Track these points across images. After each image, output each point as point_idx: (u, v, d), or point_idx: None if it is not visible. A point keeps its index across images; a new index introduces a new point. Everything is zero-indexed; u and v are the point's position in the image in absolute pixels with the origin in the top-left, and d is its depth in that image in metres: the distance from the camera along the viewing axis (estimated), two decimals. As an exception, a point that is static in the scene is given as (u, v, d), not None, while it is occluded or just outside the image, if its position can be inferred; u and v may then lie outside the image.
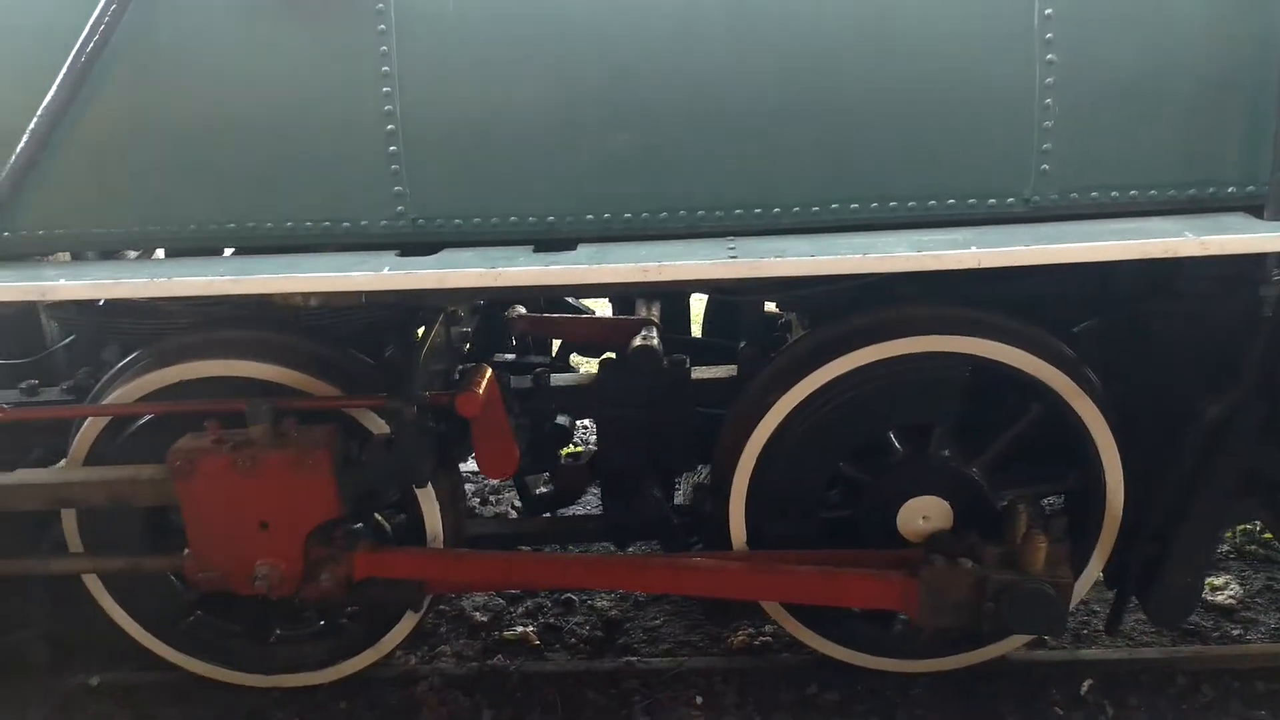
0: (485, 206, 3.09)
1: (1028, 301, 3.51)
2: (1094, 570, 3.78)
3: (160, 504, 3.59)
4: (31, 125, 3.02)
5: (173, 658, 4.05)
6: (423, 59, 3.00)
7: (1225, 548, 5.03)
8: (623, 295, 4.57)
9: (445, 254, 3.05)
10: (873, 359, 3.49)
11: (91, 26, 2.96)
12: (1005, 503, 3.61)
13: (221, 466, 3.38)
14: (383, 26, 2.97)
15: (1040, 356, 3.46)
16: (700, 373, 3.97)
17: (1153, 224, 2.92)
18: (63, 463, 3.74)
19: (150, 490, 3.51)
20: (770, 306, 4.30)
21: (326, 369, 3.60)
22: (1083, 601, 4.40)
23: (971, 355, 3.47)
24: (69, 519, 3.80)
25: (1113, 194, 3.01)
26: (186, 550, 3.57)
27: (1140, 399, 3.58)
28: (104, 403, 3.65)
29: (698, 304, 4.96)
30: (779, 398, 3.56)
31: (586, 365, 5.06)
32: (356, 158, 3.07)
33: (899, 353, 3.48)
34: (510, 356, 4.52)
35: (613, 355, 4.20)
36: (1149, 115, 2.94)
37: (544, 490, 4.70)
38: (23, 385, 3.88)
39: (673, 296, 4.56)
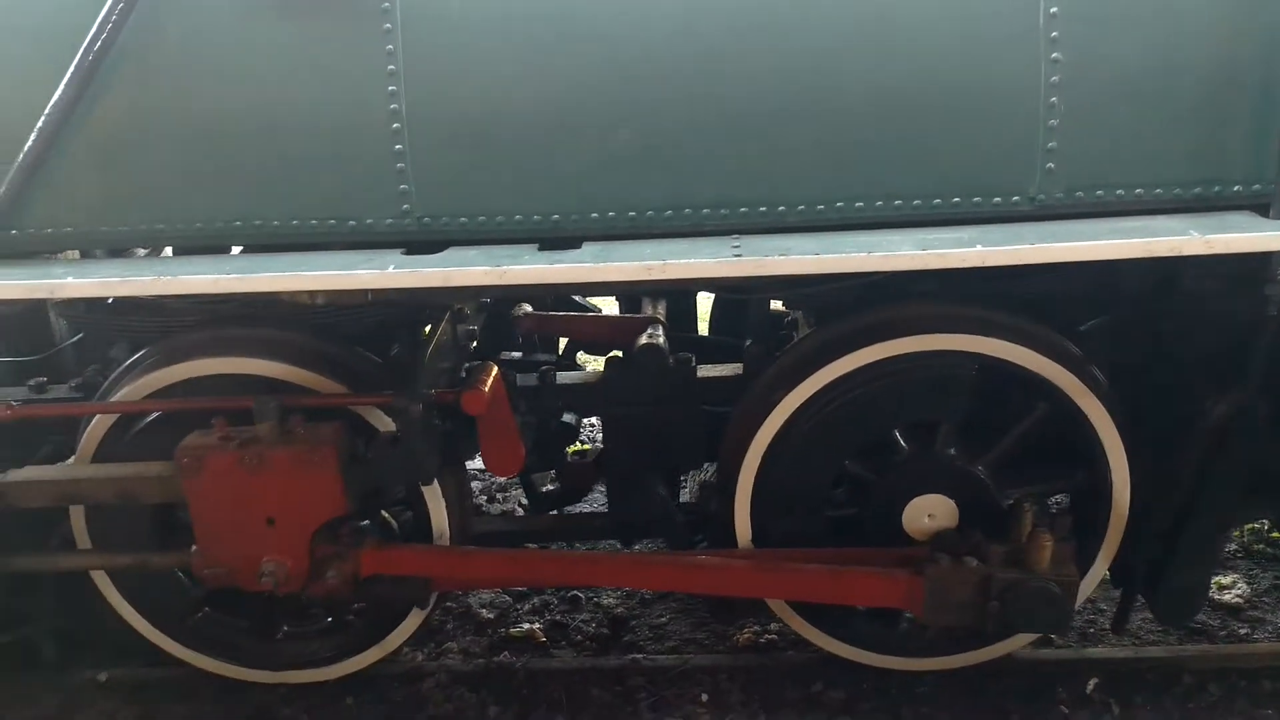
0: (490, 205, 3.10)
1: (1034, 300, 3.50)
2: (1100, 569, 3.78)
3: (168, 501, 3.61)
4: (39, 124, 3.03)
5: (180, 654, 4.06)
6: (428, 58, 3.01)
7: (1233, 546, 5.01)
8: (628, 293, 4.58)
9: (450, 252, 3.06)
10: (878, 357, 3.48)
11: (99, 25, 2.97)
12: (1011, 501, 3.61)
13: (228, 464, 3.40)
14: (388, 25, 2.99)
15: (1046, 355, 3.45)
16: (706, 371, 3.96)
17: (1158, 222, 2.92)
18: (71, 460, 3.76)
19: (158, 487, 3.53)
20: (777, 305, 4.30)
21: (333, 367, 3.60)
22: (1089, 600, 4.40)
23: (977, 354, 3.46)
24: (77, 516, 3.82)
25: (1118, 192, 3.01)
26: (194, 547, 3.58)
27: (1147, 397, 3.57)
28: (112, 400, 3.66)
29: (705, 302, 4.96)
30: (784, 396, 3.56)
31: (593, 363, 5.07)
32: (362, 156, 3.08)
33: (904, 351, 3.47)
34: (517, 354, 4.53)
35: (619, 353, 4.20)
36: (1154, 114, 2.94)
37: (550, 488, 4.70)
38: (31, 382, 3.90)
39: (679, 295, 4.56)
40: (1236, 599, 4.58)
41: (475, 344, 4.27)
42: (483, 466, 3.80)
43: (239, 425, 3.46)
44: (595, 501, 5.28)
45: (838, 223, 3.06)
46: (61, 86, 3.00)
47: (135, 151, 3.14)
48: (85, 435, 3.69)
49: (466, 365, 3.95)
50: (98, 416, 3.68)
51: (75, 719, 4.10)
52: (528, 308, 4.50)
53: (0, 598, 3.99)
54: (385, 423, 3.59)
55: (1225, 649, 4.26)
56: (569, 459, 4.44)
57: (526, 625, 4.60)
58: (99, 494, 3.57)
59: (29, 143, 3.05)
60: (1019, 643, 3.94)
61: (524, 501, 5.51)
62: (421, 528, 3.85)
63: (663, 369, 3.87)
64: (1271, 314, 3.12)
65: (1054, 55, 2.89)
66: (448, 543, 3.82)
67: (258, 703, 4.11)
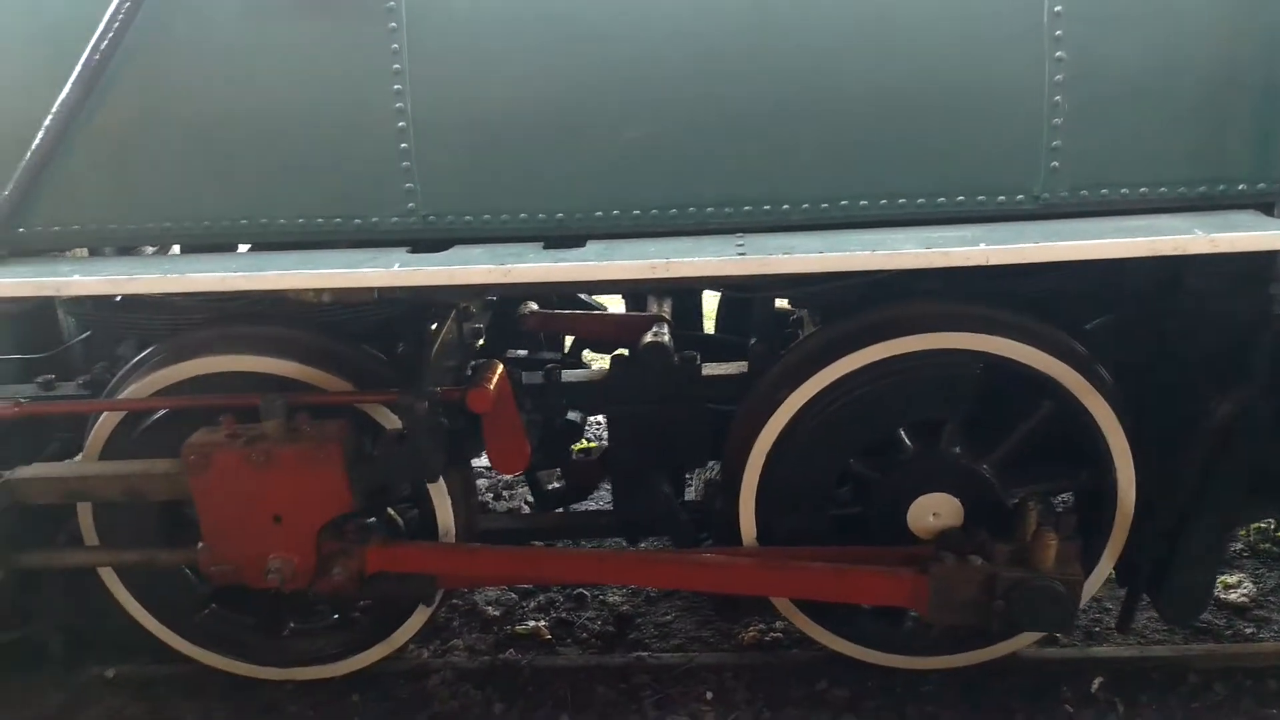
0: (495, 203, 3.11)
1: (1038, 299, 3.50)
2: (1105, 568, 3.78)
3: (175, 498, 3.62)
4: (47, 122, 3.05)
5: (187, 650, 4.08)
6: (433, 56, 3.02)
7: (1239, 546, 5.01)
8: (633, 292, 4.59)
9: (455, 251, 3.07)
10: (883, 355, 3.48)
11: (105, 24, 2.99)
12: (1016, 500, 3.61)
13: (235, 461, 3.41)
14: (394, 24, 3.00)
15: (1052, 353, 3.45)
16: (711, 369, 3.97)
17: (1163, 221, 2.91)
18: (79, 457, 3.77)
19: (165, 484, 3.54)
20: (782, 303, 4.30)
21: (340, 365, 3.62)
22: (1095, 599, 4.39)
23: (982, 352, 3.46)
24: (85, 513, 3.83)
25: (1123, 191, 3.01)
26: (200, 544, 3.60)
27: (1151, 396, 3.57)
28: (119, 398, 3.68)
29: (711, 300, 4.96)
30: (789, 394, 3.57)
31: (598, 361, 5.08)
32: (368, 155, 3.09)
33: (909, 349, 3.47)
34: (523, 352, 4.53)
35: (624, 351, 4.21)
36: (1159, 112, 2.94)
37: (556, 486, 4.71)
38: (39, 379, 3.92)
39: (685, 293, 4.57)
40: (1242, 598, 4.58)
41: (481, 342, 4.29)
42: (488, 464, 3.80)
43: (246, 422, 3.48)
44: (601, 499, 5.29)
45: (842, 221, 3.07)
46: (69, 85, 3.02)
47: (142, 150, 3.15)
48: (93, 433, 3.71)
49: (472, 363, 3.96)
50: (105, 414, 3.70)
51: (83, 715, 4.12)
52: (533, 306, 4.51)
53: (8, 595, 4.00)
54: (391, 420, 3.59)
55: (1231, 648, 4.26)
56: (574, 457, 4.44)
57: (532, 623, 4.61)
58: (106, 491, 3.59)
59: (37, 141, 3.07)
60: (1024, 641, 3.94)
61: (530, 499, 5.52)
62: (427, 525, 3.86)
63: (668, 367, 3.88)
64: (1276, 313, 3.13)
65: (1058, 54, 2.89)
66: (453, 540, 3.84)
67: (264, 699, 4.13)
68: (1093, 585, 3.78)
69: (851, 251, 2.79)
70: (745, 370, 3.90)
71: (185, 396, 3.59)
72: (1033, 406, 3.58)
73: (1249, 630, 4.41)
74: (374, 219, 3.15)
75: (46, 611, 4.16)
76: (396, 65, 3.01)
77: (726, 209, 3.08)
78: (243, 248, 3.50)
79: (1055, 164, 2.98)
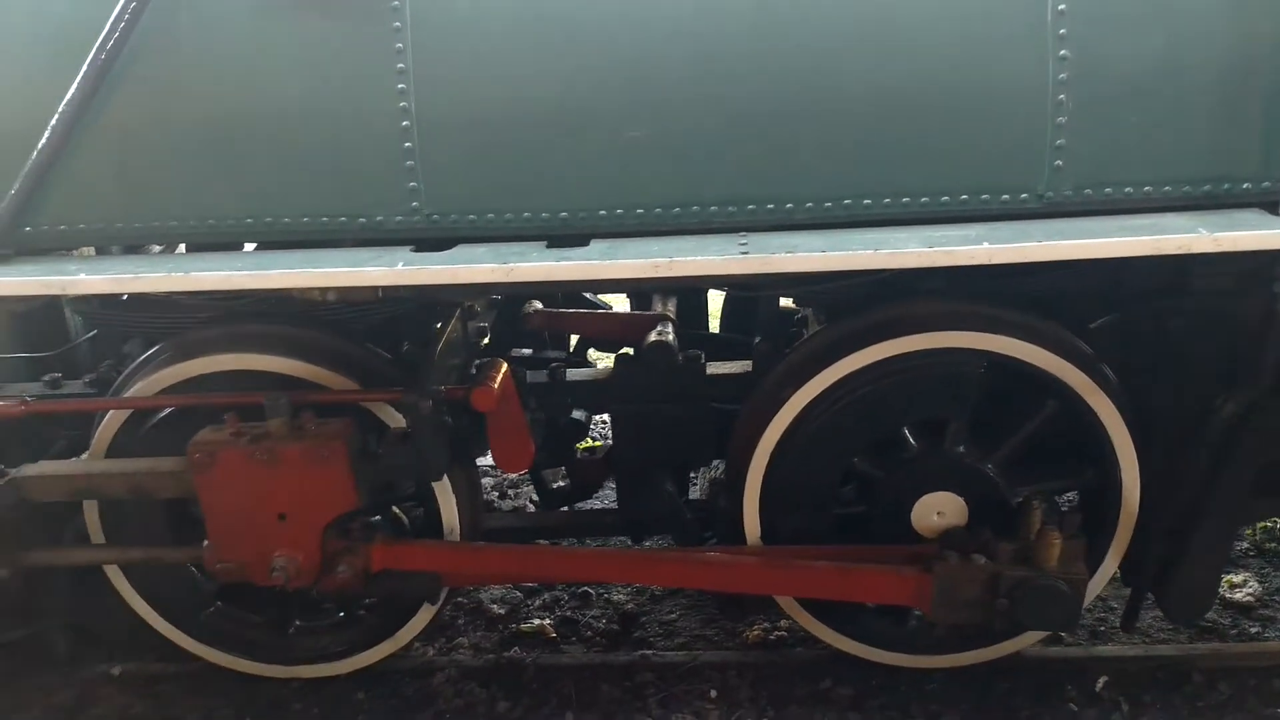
0: (499, 202, 3.11)
1: (1042, 298, 3.50)
2: (1110, 567, 3.77)
3: (180, 496, 3.63)
4: (53, 121, 3.06)
5: (193, 648, 4.09)
6: (437, 56, 3.02)
7: (1245, 545, 5.00)
8: (637, 291, 4.59)
9: (459, 249, 3.08)
10: (887, 354, 3.48)
11: (111, 24, 3.00)
12: (1020, 499, 3.61)
13: (240, 459, 3.42)
14: (398, 24, 3.00)
15: (1056, 353, 3.44)
16: (715, 368, 3.96)
17: (1167, 220, 2.91)
18: (85, 455, 3.79)
19: (170, 482, 3.55)
20: (787, 302, 4.30)
21: (344, 363, 3.63)
22: (1100, 598, 4.38)
23: (986, 351, 3.46)
24: (91, 510, 3.85)
25: (1127, 190, 3.00)
26: (206, 542, 3.61)
27: (1156, 395, 3.56)
28: (125, 396, 3.69)
29: (717, 299, 4.96)
30: (793, 393, 3.57)
31: (603, 360, 5.08)
32: (372, 154, 3.10)
33: (913, 349, 3.47)
34: (527, 351, 4.54)
35: (629, 350, 4.21)
36: (1163, 111, 2.93)
37: (561, 484, 4.72)
38: (46, 378, 3.93)
39: (690, 292, 4.57)
40: (1248, 597, 4.57)
41: (486, 341, 4.29)
42: (493, 463, 3.81)
43: (251, 421, 3.48)
44: (605, 498, 5.29)
45: (845, 220, 3.06)
46: (75, 85, 3.03)
47: (148, 149, 3.16)
48: (99, 431, 3.72)
49: (477, 362, 3.96)
50: (111, 412, 3.71)
51: (89, 713, 4.14)
52: (538, 305, 4.52)
53: (15, 593, 4.02)
54: (396, 419, 3.60)
55: (1236, 647, 4.25)
56: (579, 456, 4.45)
57: (537, 621, 4.62)
58: (112, 489, 3.60)
59: (43, 140, 3.08)
60: (1028, 640, 3.94)
61: (534, 498, 5.53)
62: (432, 523, 3.87)
63: (672, 366, 3.88)
64: (1280, 311, 3.12)
65: (1062, 52, 2.89)
66: (458, 538, 3.84)
67: (270, 697, 4.14)
68: (1097, 584, 3.78)
69: (854, 250, 2.79)
70: (749, 369, 3.90)
71: (190, 395, 3.60)
72: (1037, 406, 3.57)
73: (1254, 629, 4.40)
74: (378, 218, 3.16)
75: (53, 609, 4.18)
76: (400, 65, 3.02)
77: (730, 208, 3.08)
78: (249, 246, 3.51)
79: (1059, 163, 2.97)
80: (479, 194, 3.11)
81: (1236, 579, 4.70)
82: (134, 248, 3.74)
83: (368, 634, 4.10)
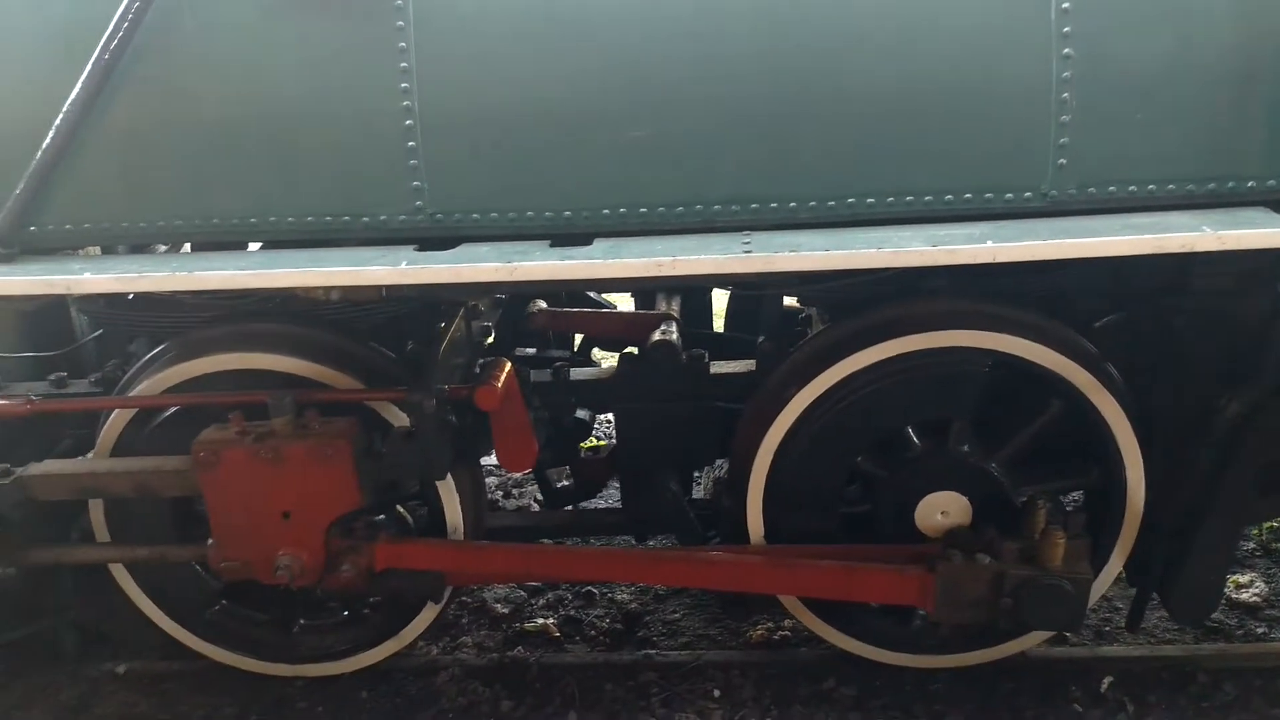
0: (502, 201, 3.11)
1: (1046, 296, 3.49)
2: (1115, 567, 3.77)
3: (185, 494, 3.65)
4: (58, 121, 3.06)
5: (198, 647, 4.10)
6: (441, 55, 3.02)
7: (1251, 545, 4.98)
8: (640, 290, 4.59)
9: (462, 249, 3.08)
10: (891, 354, 3.48)
11: (115, 24, 3.00)
12: (1025, 498, 3.60)
13: (244, 458, 3.43)
14: (401, 23, 3.00)
15: (1061, 352, 3.44)
16: (719, 367, 3.97)
17: (1171, 219, 2.90)
18: (90, 454, 3.80)
19: (175, 481, 3.56)
20: (792, 301, 4.30)
21: (348, 362, 3.63)
22: (1105, 598, 4.38)
23: (990, 350, 3.45)
24: (96, 509, 3.86)
25: (1131, 189, 2.99)
26: (210, 540, 3.62)
27: (1161, 395, 3.55)
28: (130, 395, 3.70)
29: (722, 298, 4.96)
30: (797, 392, 3.57)
31: (608, 359, 5.09)
32: (376, 153, 3.10)
33: (916, 348, 3.47)
34: (531, 350, 4.54)
35: (634, 350, 4.21)
36: (1168, 110, 2.92)
37: (565, 484, 4.72)
38: (51, 377, 3.94)
39: (694, 291, 4.57)
40: (1254, 598, 4.55)
41: (490, 340, 4.30)
42: (497, 462, 3.81)
43: (255, 420, 3.49)
44: (609, 497, 5.30)
45: (849, 219, 3.06)
46: (79, 84, 3.03)
47: (153, 148, 3.16)
48: (104, 430, 3.73)
49: (480, 361, 3.97)
50: (116, 411, 3.72)
51: (94, 710, 4.15)
52: (542, 304, 4.52)
53: (21, 591, 4.03)
54: (400, 418, 3.61)
55: (1241, 648, 4.24)
56: (583, 455, 4.45)
57: (540, 620, 4.62)
58: (117, 487, 3.60)
59: (48, 140, 3.08)
60: (1032, 640, 3.93)
61: (539, 497, 5.53)
62: (436, 523, 3.87)
63: (676, 365, 3.88)
64: (1286, 310, 3.11)
65: (1065, 51, 2.88)
66: (462, 538, 3.85)
67: (275, 695, 4.15)
68: (1102, 584, 3.77)
69: (858, 249, 2.79)
70: (753, 368, 3.90)
71: (195, 394, 3.61)
72: (1041, 405, 3.57)
73: (1260, 630, 4.39)
74: (382, 217, 3.16)
75: (58, 607, 4.19)
76: (404, 64, 3.02)
77: (733, 206, 3.08)
78: (254, 246, 3.52)
79: (1063, 161, 2.96)
80: (482, 193, 3.11)
81: (1243, 579, 4.69)
82: (139, 247, 3.74)
83: (372, 633, 4.11)
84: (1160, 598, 3.81)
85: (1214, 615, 4.25)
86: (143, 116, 3.13)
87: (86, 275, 3.01)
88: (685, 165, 3.05)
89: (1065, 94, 2.91)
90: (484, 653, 4.41)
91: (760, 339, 3.90)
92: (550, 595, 4.85)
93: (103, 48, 3.02)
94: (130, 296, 3.66)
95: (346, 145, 3.10)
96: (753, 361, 3.91)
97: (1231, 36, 2.87)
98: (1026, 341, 3.43)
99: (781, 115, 2.99)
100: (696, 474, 4.60)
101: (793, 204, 3.07)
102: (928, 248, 2.75)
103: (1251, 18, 2.86)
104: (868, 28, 2.93)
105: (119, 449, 3.72)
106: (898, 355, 3.48)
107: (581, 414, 4.23)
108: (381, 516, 3.83)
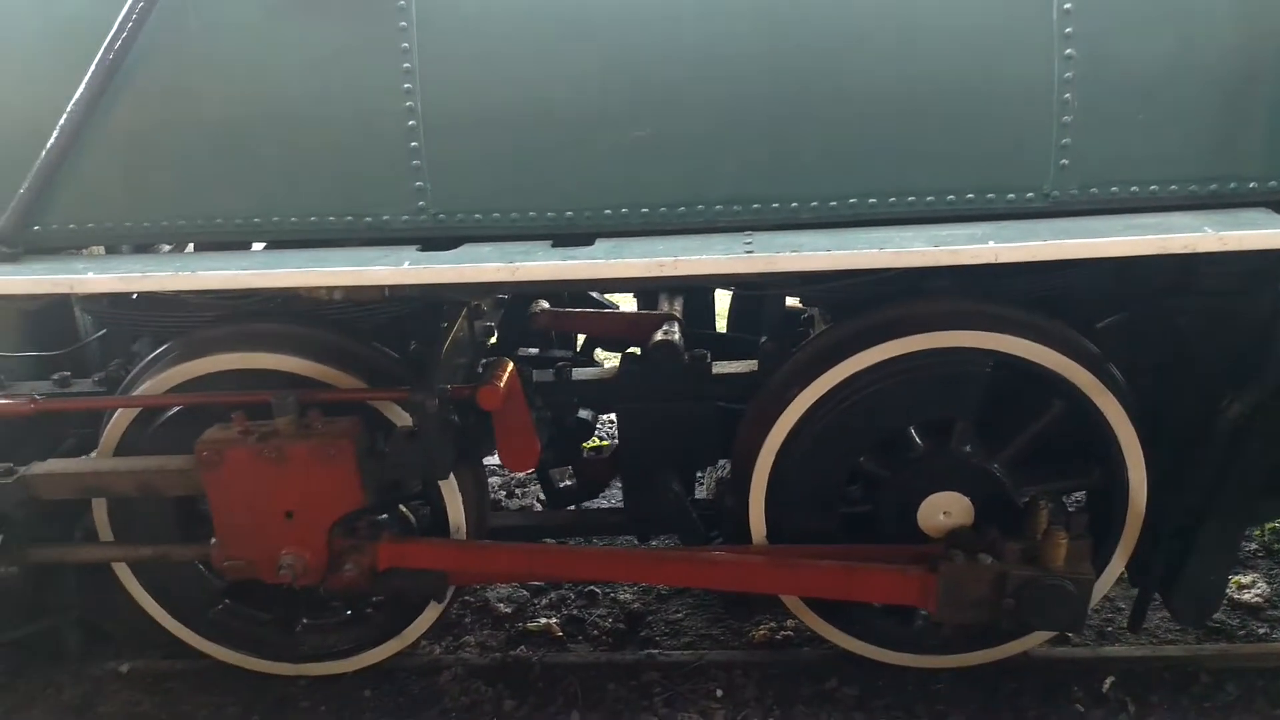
0: (505, 201, 3.12)
1: (1049, 297, 3.49)
2: (1117, 567, 3.77)
3: (188, 494, 3.66)
4: (62, 121, 3.07)
5: (201, 646, 4.11)
6: (443, 55, 3.03)
7: (1254, 545, 4.98)
8: (643, 290, 4.59)
9: (465, 249, 3.08)
10: (893, 354, 3.48)
11: (120, 24, 3.01)
12: (1027, 499, 3.60)
13: (247, 457, 3.44)
14: (404, 23, 3.01)
15: (1063, 352, 3.44)
16: (721, 367, 3.97)
17: (1173, 219, 2.90)
18: (94, 453, 3.81)
19: (178, 480, 3.56)
20: (793, 301, 4.30)
21: (351, 362, 3.63)
22: (1107, 598, 4.38)
23: (992, 350, 3.45)
24: (99, 508, 3.87)
25: (1133, 189, 3.00)
26: (214, 540, 3.62)
27: (1163, 395, 3.56)
28: (133, 394, 3.70)
29: (724, 299, 4.97)
30: (799, 392, 3.57)
31: (610, 359, 5.09)
32: (378, 153, 3.10)
33: (920, 348, 3.46)
34: (534, 350, 4.55)
35: (636, 350, 4.21)
36: (1170, 110, 2.92)
37: (567, 483, 4.73)
38: (55, 377, 3.95)
39: (696, 291, 4.58)
40: (1256, 598, 4.55)
41: (492, 340, 4.30)
42: (499, 462, 3.81)
43: (258, 419, 3.50)
44: (612, 497, 5.30)
45: (850, 219, 3.06)
46: (84, 84, 3.04)
47: (156, 148, 3.17)
48: (108, 429, 3.74)
49: (483, 361, 3.97)
50: (119, 411, 3.72)
51: (97, 709, 4.15)
52: (545, 304, 4.53)
53: (24, 590, 4.03)
54: (403, 418, 3.61)
55: (1244, 648, 4.24)
56: (585, 455, 4.46)
57: (543, 620, 4.63)
58: (121, 487, 3.61)
59: (52, 140, 3.09)
60: (1034, 640, 3.93)
61: (541, 497, 5.53)
62: (439, 522, 3.88)
63: (678, 366, 3.89)
64: (1287, 310, 3.11)
65: (1067, 51, 2.88)
66: (465, 537, 3.85)
67: (278, 694, 4.16)
68: (1104, 584, 3.77)
69: (859, 249, 2.79)
70: (755, 369, 3.90)
71: (198, 393, 3.61)
72: (1044, 405, 3.57)
73: (1262, 630, 4.39)
74: (384, 217, 3.17)
75: (62, 607, 4.20)
76: (406, 64, 3.03)
77: (735, 207, 3.08)
78: (257, 246, 3.52)
79: (1065, 162, 2.97)
80: (485, 193, 3.12)
81: (1245, 579, 4.69)
82: (143, 247, 3.75)
83: (375, 632, 4.11)
84: (1162, 598, 3.81)
85: (1216, 616, 4.26)
86: (146, 117, 3.14)
87: (90, 275, 3.02)
88: (687, 165, 3.05)
89: (1067, 94, 2.91)
90: (487, 652, 4.42)
91: (762, 339, 3.90)
92: (553, 595, 4.85)
93: (106, 48, 3.03)
94: (134, 296, 3.66)
95: (349, 145, 3.11)
96: (755, 362, 3.92)
97: (1233, 37, 2.87)
98: (1028, 342, 3.42)
99: (783, 115, 3.00)
100: (700, 474, 4.60)
101: (794, 204, 3.07)
102: (930, 248, 2.75)
103: (1253, 18, 2.87)
104: (869, 28, 2.94)
105: (122, 448, 3.73)
106: (900, 355, 3.48)
107: (584, 414, 4.24)
108: (384, 516, 3.83)
